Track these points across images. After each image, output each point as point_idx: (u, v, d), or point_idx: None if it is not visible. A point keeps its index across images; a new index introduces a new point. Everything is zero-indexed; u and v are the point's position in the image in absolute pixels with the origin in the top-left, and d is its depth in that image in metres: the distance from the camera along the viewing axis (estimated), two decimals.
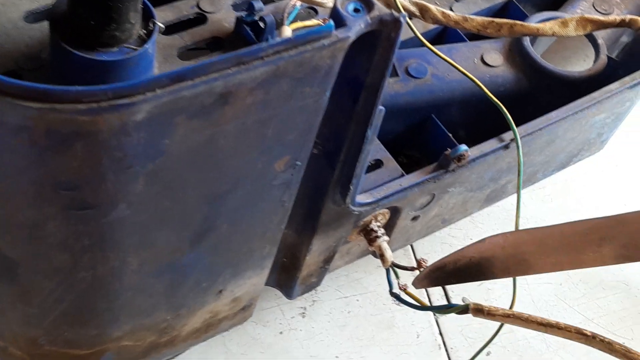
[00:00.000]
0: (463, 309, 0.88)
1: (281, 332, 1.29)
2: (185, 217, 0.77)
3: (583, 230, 0.80)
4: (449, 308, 0.91)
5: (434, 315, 1.37)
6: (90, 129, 0.60)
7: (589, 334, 0.82)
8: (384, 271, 1.40)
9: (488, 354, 1.33)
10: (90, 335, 0.87)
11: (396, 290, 1.02)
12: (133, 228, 0.73)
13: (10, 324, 0.85)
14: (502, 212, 1.51)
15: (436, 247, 1.44)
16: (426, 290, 1.37)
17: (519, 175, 0.99)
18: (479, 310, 0.86)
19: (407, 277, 1.05)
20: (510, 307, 1.13)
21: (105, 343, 0.90)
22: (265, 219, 0.88)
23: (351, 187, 0.90)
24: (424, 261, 1.03)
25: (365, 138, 0.83)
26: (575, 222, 0.81)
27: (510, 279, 1.41)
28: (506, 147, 1.04)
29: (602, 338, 0.83)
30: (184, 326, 0.98)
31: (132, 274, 0.80)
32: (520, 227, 1.48)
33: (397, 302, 1.04)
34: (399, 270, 1.04)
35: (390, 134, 1.14)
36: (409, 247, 1.44)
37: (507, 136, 1.05)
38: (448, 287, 1.41)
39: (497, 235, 0.91)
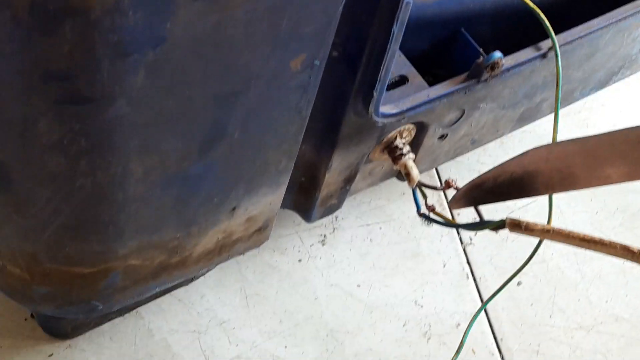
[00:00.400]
0: (499, 225, 0.80)
1: (300, 260, 1.24)
2: (192, 121, 0.70)
3: (638, 137, 0.72)
4: (483, 224, 0.84)
5: (462, 244, 1.30)
6: (80, 6, 0.53)
7: (635, 250, 0.74)
8: (408, 198, 1.34)
9: (519, 284, 1.27)
10: (94, 251, 0.82)
11: (424, 211, 0.95)
12: (134, 130, 0.67)
13: (7, 238, 0.79)
14: (534, 137, 1.43)
15: (463, 174, 1.37)
16: (452, 214, 1.30)
17: (557, 85, 0.91)
18: (517, 225, 0.79)
19: (434, 201, 0.99)
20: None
21: (111, 261, 0.84)
22: (281, 128, 0.80)
23: (374, 94, 0.83)
24: (452, 181, 0.95)
25: (390, 35, 0.75)
26: (628, 128, 0.72)
27: (545, 204, 1.34)
28: (543, 56, 0.96)
29: None
30: (195, 246, 0.92)
31: (137, 184, 0.74)
32: None
33: (426, 222, 0.97)
34: (426, 192, 0.97)
35: (415, 51, 1.06)
36: (434, 173, 1.37)
37: (545, 45, 0.97)
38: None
39: (540, 147, 0.83)
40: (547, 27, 0.93)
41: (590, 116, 1.50)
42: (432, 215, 0.95)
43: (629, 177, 0.76)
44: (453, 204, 0.93)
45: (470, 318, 1.22)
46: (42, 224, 0.75)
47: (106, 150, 0.67)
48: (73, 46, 0.56)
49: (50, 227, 0.76)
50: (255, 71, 0.69)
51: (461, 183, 1.28)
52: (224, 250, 0.98)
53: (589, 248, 0.76)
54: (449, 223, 0.92)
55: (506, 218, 0.80)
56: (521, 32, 1.12)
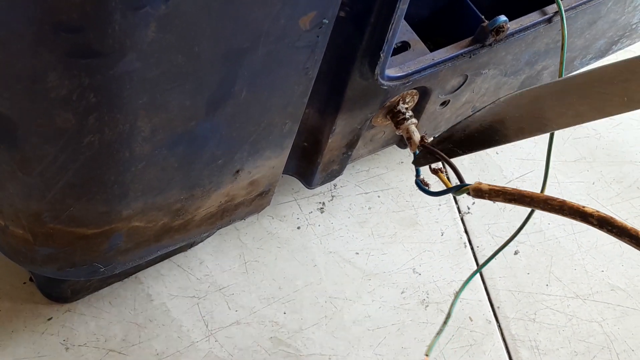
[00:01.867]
0: (462, 190, 0.81)
1: (299, 227, 1.24)
2: (200, 77, 0.70)
3: (611, 72, 0.71)
4: (449, 190, 0.84)
5: (459, 213, 1.31)
6: None
7: (589, 211, 0.74)
8: (406, 167, 1.35)
9: (516, 253, 1.27)
10: (98, 212, 0.81)
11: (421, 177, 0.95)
12: (143, 85, 0.66)
13: (10, 197, 0.78)
14: None
15: None
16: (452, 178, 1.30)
17: (562, 49, 0.91)
18: (479, 190, 0.79)
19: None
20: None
21: (114, 222, 0.84)
22: (287, 89, 0.80)
23: (381, 55, 0.83)
24: (426, 136, 0.94)
25: None
26: (602, 66, 0.72)
27: (541, 174, 1.34)
28: (549, 20, 0.96)
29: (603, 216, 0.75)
30: (198, 209, 0.91)
31: (144, 142, 0.73)
32: None
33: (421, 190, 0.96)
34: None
35: (416, 17, 1.06)
36: None
37: (550, 9, 0.96)
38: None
39: (512, 94, 0.83)
40: None
41: None
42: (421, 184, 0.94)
43: (599, 113, 0.75)
44: (421, 158, 0.92)
45: (467, 286, 1.23)
46: (47, 182, 0.75)
47: (115, 106, 0.67)
48: None
49: (55, 185, 0.75)
50: (264, 28, 0.68)
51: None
52: (226, 215, 0.98)
53: (551, 212, 0.76)
54: (429, 191, 0.92)
55: (469, 184, 0.80)
56: (521, 1, 1.12)
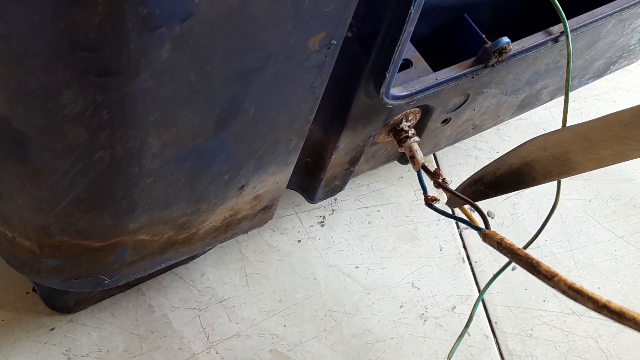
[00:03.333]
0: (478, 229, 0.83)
1: (299, 241, 1.25)
2: (211, 95, 0.71)
3: (628, 117, 0.73)
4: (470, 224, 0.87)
5: (458, 228, 1.32)
6: None
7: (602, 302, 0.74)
8: (406, 182, 1.36)
9: (514, 268, 1.29)
10: (106, 225, 0.82)
11: (430, 193, 0.96)
12: (155, 103, 0.67)
13: (19, 210, 0.79)
14: (530, 125, 1.45)
15: (461, 159, 1.39)
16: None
17: (567, 67, 0.92)
18: (488, 237, 0.81)
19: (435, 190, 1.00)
20: (542, 227, 1.08)
21: (121, 235, 0.85)
22: (294, 107, 0.81)
23: (387, 76, 0.84)
24: (440, 174, 0.96)
25: (407, 16, 0.76)
26: (620, 111, 0.74)
27: (537, 192, 1.36)
28: (552, 41, 0.97)
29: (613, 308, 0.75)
30: (203, 223, 0.93)
31: (153, 158, 0.74)
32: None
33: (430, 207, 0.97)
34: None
35: (417, 36, 1.07)
36: (433, 159, 1.38)
37: (554, 30, 0.98)
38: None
39: (537, 137, 0.85)
40: (559, 11, 0.94)
41: (584, 106, 1.52)
42: (435, 205, 0.96)
43: (621, 158, 0.77)
44: (452, 201, 0.94)
45: (465, 301, 1.24)
46: (56, 196, 0.76)
47: (127, 123, 0.68)
48: (103, 18, 0.56)
49: (64, 199, 0.76)
50: (274, 48, 0.70)
51: (458, 170, 1.30)
52: (230, 229, 0.99)
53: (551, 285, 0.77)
54: (446, 213, 0.93)
55: (484, 230, 0.83)
56: (521, 21, 1.14)
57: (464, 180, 0.95)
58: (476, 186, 0.93)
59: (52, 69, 0.61)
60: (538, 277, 0.74)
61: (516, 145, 0.87)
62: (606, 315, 0.68)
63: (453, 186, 0.93)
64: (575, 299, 0.70)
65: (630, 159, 0.79)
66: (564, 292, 0.71)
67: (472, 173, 1.36)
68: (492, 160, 0.90)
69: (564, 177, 0.87)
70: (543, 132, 1.38)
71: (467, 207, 0.92)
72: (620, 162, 0.79)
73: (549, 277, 0.73)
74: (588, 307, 0.70)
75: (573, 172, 0.85)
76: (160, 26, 0.59)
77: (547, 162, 0.85)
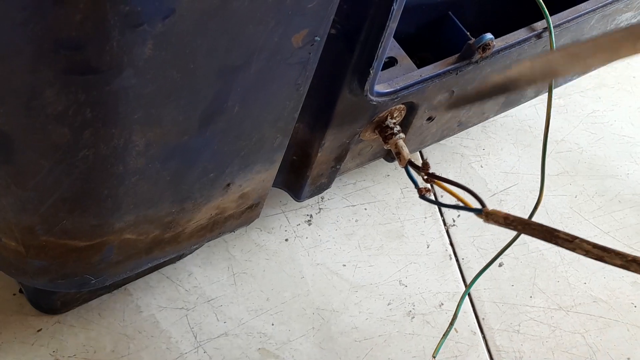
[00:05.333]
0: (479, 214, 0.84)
1: (286, 240, 1.25)
2: (194, 93, 0.71)
3: (619, 36, 0.73)
4: (465, 208, 0.87)
5: (445, 225, 1.32)
6: None
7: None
8: (392, 180, 1.36)
9: (500, 265, 1.29)
10: (91, 225, 0.82)
11: (422, 185, 0.96)
12: (139, 101, 0.67)
13: (4, 210, 0.79)
14: (515, 122, 1.46)
15: (447, 157, 1.39)
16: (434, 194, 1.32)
17: None
18: (492, 215, 0.81)
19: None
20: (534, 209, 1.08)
21: (107, 235, 0.85)
22: (279, 104, 0.81)
23: (371, 72, 0.84)
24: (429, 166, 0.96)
25: (390, 13, 0.76)
26: (611, 31, 0.74)
27: (525, 188, 1.36)
28: (535, 37, 0.98)
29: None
30: (189, 222, 0.92)
31: (137, 157, 0.74)
32: (536, 137, 1.43)
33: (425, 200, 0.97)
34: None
35: (402, 34, 1.07)
36: (419, 156, 1.39)
37: (538, 26, 0.99)
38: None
39: (524, 59, 0.85)
40: (542, 7, 0.95)
41: (569, 103, 1.52)
42: (427, 195, 0.96)
43: (606, 61, 0.77)
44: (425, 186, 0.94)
45: (452, 297, 1.25)
46: (41, 196, 0.76)
47: (110, 121, 0.68)
48: (85, 16, 0.56)
49: (49, 199, 0.76)
50: (258, 45, 0.70)
51: (444, 168, 1.30)
52: (216, 227, 0.99)
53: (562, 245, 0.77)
54: (442, 203, 0.93)
55: (485, 209, 0.83)
56: (506, 18, 1.14)
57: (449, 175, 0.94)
58: (459, 100, 0.93)
59: (34, 67, 0.61)
60: (557, 244, 0.74)
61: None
62: (636, 270, 0.69)
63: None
64: (601, 258, 0.70)
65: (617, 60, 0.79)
66: (588, 253, 0.71)
67: (458, 170, 1.37)
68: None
69: (549, 80, 0.86)
70: (528, 129, 1.38)
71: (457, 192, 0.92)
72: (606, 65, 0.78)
73: (569, 241, 0.73)
74: (615, 264, 0.70)
75: (558, 74, 0.85)
76: (142, 23, 0.59)
77: (532, 75, 0.84)
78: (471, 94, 0.90)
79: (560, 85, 1.27)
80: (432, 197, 0.94)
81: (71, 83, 0.62)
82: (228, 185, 0.90)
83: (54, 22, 0.57)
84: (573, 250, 0.72)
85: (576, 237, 0.72)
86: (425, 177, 0.92)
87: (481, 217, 0.88)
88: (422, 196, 0.94)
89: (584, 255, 0.71)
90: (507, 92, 0.86)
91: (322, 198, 1.30)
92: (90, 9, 0.56)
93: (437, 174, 0.93)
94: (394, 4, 0.75)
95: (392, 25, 0.79)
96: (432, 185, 0.96)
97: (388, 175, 1.35)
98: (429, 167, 0.93)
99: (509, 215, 0.82)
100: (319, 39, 0.74)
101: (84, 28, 0.58)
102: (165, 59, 0.64)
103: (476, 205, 0.85)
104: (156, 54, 0.63)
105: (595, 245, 0.70)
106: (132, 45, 0.61)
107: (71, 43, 0.59)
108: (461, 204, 0.92)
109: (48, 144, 0.69)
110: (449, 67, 0.95)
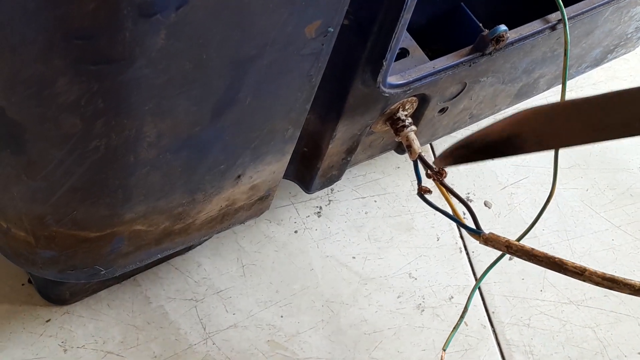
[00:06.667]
0: (476, 233, 0.83)
1: (296, 231, 1.24)
2: (207, 84, 0.70)
3: (629, 96, 0.72)
4: (465, 226, 0.86)
5: None
6: None
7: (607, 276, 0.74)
8: (403, 172, 1.35)
9: (510, 258, 1.28)
10: (101, 215, 0.81)
11: (425, 184, 0.96)
12: (151, 91, 0.67)
13: (14, 200, 0.79)
14: None
15: None
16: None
17: (565, 55, 0.92)
18: (492, 241, 0.80)
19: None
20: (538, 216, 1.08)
21: (117, 225, 0.84)
22: (291, 95, 0.81)
23: (384, 64, 0.83)
24: (444, 172, 0.95)
25: (404, 4, 0.75)
26: (621, 90, 0.73)
27: (536, 180, 1.35)
28: (549, 29, 0.97)
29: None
30: (199, 213, 0.92)
31: (149, 147, 0.74)
32: None
33: (421, 199, 0.97)
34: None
35: (413, 25, 1.07)
36: (429, 148, 1.38)
37: (551, 18, 0.98)
38: (470, 191, 1.35)
39: (530, 108, 0.84)
40: None
41: (581, 95, 1.51)
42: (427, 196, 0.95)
43: (617, 136, 0.76)
44: (439, 161, 0.93)
45: (463, 291, 1.24)
46: (52, 186, 0.75)
47: (122, 111, 0.67)
48: (98, 5, 0.56)
49: (59, 189, 0.76)
50: (271, 36, 0.69)
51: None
52: (226, 219, 0.99)
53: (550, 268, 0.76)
54: (440, 209, 0.93)
55: (483, 234, 0.82)
56: (518, 9, 1.13)
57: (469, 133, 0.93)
58: (464, 150, 0.92)
59: (47, 57, 0.60)
60: (565, 274, 0.73)
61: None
62: None
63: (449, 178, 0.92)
64: (611, 288, 0.70)
65: (628, 137, 0.77)
66: (597, 284, 0.71)
67: (469, 164, 1.36)
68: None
69: (553, 149, 0.85)
70: None
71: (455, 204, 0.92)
72: (618, 139, 0.77)
73: (579, 273, 0.72)
74: (624, 292, 0.69)
75: (563, 145, 0.84)
76: (156, 13, 0.59)
77: (537, 134, 0.83)
78: (476, 146, 0.88)
79: (573, 77, 1.26)
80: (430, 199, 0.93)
81: (83, 73, 0.62)
82: (239, 176, 0.90)
83: (66, 11, 0.56)
84: (583, 281, 0.71)
85: (585, 269, 0.71)
86: (431, 177, 0.90)
87: (479, 240, 0.87)
88: (420, 194, 0.93)
89: (595, 285, 0.71)
90: (512, 150, 0.85)
91: (332, 190, 1.30)
92: None
93: (446, 176, 0.92)
94: None
95: (406, 16, 0.78)
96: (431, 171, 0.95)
97: (398, 167, 1.35)
98: (444, 175, 0.92)
99: (510, 242, 0.80)
100: (332, 29, 0.73)
101: (97, 17, 0.57)
102: (178, 50, 0.64)
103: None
104: (169, 44, 0.62)
105: (604, 277, 0.70)
106: (144, 35, 0.60)
107: (84, 32, 0.58)
108: (456, 218, 0.92)
109: (59, 133, 0.68)
110: (462, 59, 0.95)
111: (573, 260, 1.28)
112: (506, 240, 0.80)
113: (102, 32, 0.59)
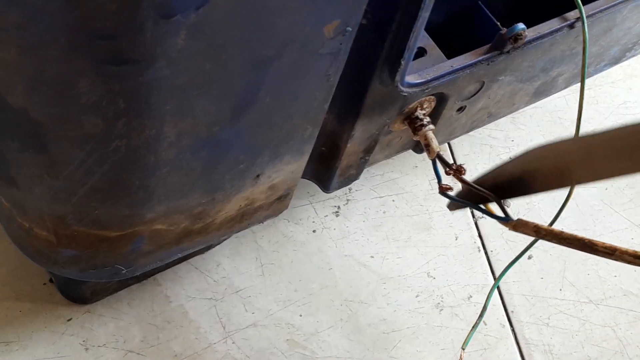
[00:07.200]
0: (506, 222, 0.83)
1: (314, 231, 1.25)
2: (226, 84, 0.71)
3: (634, 133, 0.71)
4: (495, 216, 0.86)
5: (473, 217, 1.32)
6: None
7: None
8: (420, 171, 1.36)
9: (530, 257, 1.28)
10: (122, 215, 0.82)
11: (445, 182, 0.95)
12: (171, 92, 0.67)
13: (36, 200, 0.80)
14: (545, 114, 1.44)
15: (475, 148, 1.38)
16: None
17: (584, 53, 0.92)
18: (521, 226, 0.80)
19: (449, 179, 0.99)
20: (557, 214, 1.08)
21: (138, 225, 0.85)
22: (309, 95, 0.81)
23: (402, 63, 0.84)
24: (463, 169, 0.95)
25: (422, 3, 0.76)
26: (625, 125, 0.72)
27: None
28: (568, 27, 0.96)
29: None
30: (218, 212, 0.93)
31: (169, 147, 0.74)
32: (566, 129, 1.41)
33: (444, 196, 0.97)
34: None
35: (431, 23, 1.07)
36: (447, 147, 1.38)
37: (570, 16, 0.98)
38: None
39: (540, 146, 0.84)
40: None
41: (600, 94, 1.51)
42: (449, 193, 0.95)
43: (624, 174, 0.75)
44: (452, 205, 0.93)
45: (481, 290, 1.24)
46: (73, 185, 0.76)
47: (143, 112, 0.68)
48: (120, 5, 0.57)
49: (81, 189, 0.76)
50: (290, 36, 0.70)
51: (472, 160, 1.29)
52: (245, 218, 0.99)
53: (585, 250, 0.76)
54: (465, 202, 0.92)
55: (512, 220, 0.82)
56: (535, 7, 1.13)
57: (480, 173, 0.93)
58: (475, 192, 0.92)
59: (69, 57, 0.61)
60: (596, 254, 0.72)
61: (520, 153, 0.85)
62: None
63: (468, 176, 0.92)
64: None
65: (634, 174, 0.77)
66: (630, 262, 0.70)
67: (486, 162, 1.36)
68: (500, 161, 0.88)
69: (562, 188, 0.85)
70: (558, 120, 1.37)
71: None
72: (620, 178, 0.77)
73: (609, 253, 0.71)
74: None
75: (572, 183, 0.84)
76: (176, 14, 0.59)
77: (547, 172, 0.83)
78: (488, 186, 0.88)
79: (592, 75, 1.25)
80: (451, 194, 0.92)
81: (105, 73, 0.63)
82: (258, 176, 0.90)
83: (88, 11, 0.57)
84: (615, 260, 0.71)
85: (616, 249, 0.70)
86: (452, 174, 0.90)
87: (507, 226, 0.87)
88: (443, 192, 0.92)
89: (627, 264, 0.70)
90: (523, 190, 0.85)
91: (350, 189, 1.30)
92: None
93: (465, 173, 0.91)
94: None
95: (425, 14, 0.78)
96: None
97: (416, 167, 1.35)
98: (463, 172, 0.92)
99: (539, 226, 0.80)
100: (350, 29, 0.74)
101: (119, 18, 0.58)
102: (198, 50, 0.64)
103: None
104: (189, 44, 0.63)
105: (636, 255, 0.69)
106: (165, 36, 0.61)
107: (105, 33, 0.59)
108: (483, 208, 0.91)
109: (81, 134, 0.69)
110: (480, 58, 0.95)
111: (593, 260, 1.28)
112: (534, 225, 0.79)
113: (124, 32, 0.59)
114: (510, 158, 0.85)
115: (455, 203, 0.91)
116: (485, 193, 0.90)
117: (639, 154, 0.71)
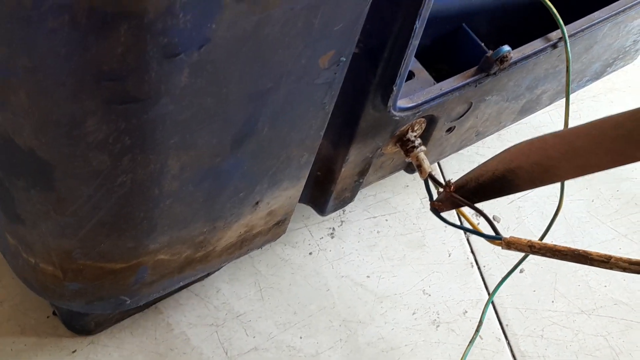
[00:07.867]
0: (496, 239, 0.85)
1: (310, 253, 1.27)
2: (227, 117, 0.73)
3: (613, 125, 0.72)
4: (483, 235, 0.88)
5: (465, 234, 1.34)
6: (135, 9, 0.56)
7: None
8: (412, 191, 1.38)
9: (521, 271, 1.31)
10: (127, 247, 0.84)
11: (436, 198, 0.98)
12: (175, 127, 0.69)
13: (43, 236, 0.82)
14: (530, 129, 1.48)
15: (464, 166, 1.41)
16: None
17: (567, 72, 0.95)
18: (514, 244, 0.82)
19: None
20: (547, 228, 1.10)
21: (142, 256, 0.87)
22: (306, 124, 0.84)
23: (394, 89, 0.86)
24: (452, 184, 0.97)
25: (412, 31, 0.78)
26: (602, 118, 0.73)
27: (542, 194, 1.38)
28: (554, 46, 1.00)
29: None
30: (219, 240, 0.95)
31: (172, 180, 0.76)
32: None
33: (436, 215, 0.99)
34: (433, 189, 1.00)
35: (418, 47, 1.10)
36: (437, 166, 1.40)
37: (553, 36, 1.01)
38: (478, 206, 1.37)
39: (521, 143, 0.85)
40: (557, 17, 0.96)
41: (582, 108, 1.54)
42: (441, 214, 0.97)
43: (606, 166, 0.76)
44: (438, 206, 0.94)
45: (476, 305, 1.26)
46: (80, 221, 0.78)
47: (148, 147, 0.70)
48: (126, 48, 0.59)
49: (88, 224, 0.78)
50: (287, 69, 0.72)
51: (462, 175, 1.31)
52: (245, 244, 1.01)
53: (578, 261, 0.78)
54: (454, 224, 0.95)
55: (503, 237, 0.84)
56: (518, 28, 1.16)
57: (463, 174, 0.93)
58: (460, 192, 0.93)
59: (77, 99, 0.63)
60: (592, 265, 0.74)
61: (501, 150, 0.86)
62: None
63: None
64: (638, 272, 0.71)
65: (616, 166, 0.78)
66: (625, 270, 0.72)
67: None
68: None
69: (548, 184, 0.87)
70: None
71: (470, 215, 0.93)
72: (606, 169, 0.78)
73: (604, 261, 0.73)
74: None
75: (557, 178, 0.85)
76: (179, 53, 0.62)
77: (530, 169, 0.83)
78: (471, 186, 0.89)
79: (575, 91, 1.29)
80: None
81: (112, 112, 0.65)
82: (257, 203, 0.93)
83: (96, 55, 0.59)
84: (610, 269, 0.73)
85: (611, 257, 0.72)
86: (445, 193, 0.92)
87: (499, 245, 0.89)
88: (434, 209, 0.95)
89: (622, 271, 0.72)
90: (506, 189, 0.86)
91: (344, 211, 1.32)
92: (131, 42, 0.58)
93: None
94: (417, 22, 0.77)
95: (415, 42, 0.81)
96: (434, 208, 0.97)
97: (407, 186, 1.37)
98: (453, 188, 0.94)
99: (533, 242, 0.82)
100: (344, 59, 0.76)
101: (125, 60, 0.60)
102: (200, 86, 0.67)
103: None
104: (192, 81, 0.65)
105: (631, 262, 0.71)
106: (169, 74, 0.63)
107: (112, 74, 0.61)
108: (475, 229, 0.94)
109: (88, 170, 0.71)
110: (468, 80, 0.97)
111: (582, 271, 1.30)
112: (528, 241, 0.81)
113: (130, 73, 0.61)
114: (492, 157, 0.86)
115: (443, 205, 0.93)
116: (475, 209, 0.92)
117: (621, 145, 0.73)
